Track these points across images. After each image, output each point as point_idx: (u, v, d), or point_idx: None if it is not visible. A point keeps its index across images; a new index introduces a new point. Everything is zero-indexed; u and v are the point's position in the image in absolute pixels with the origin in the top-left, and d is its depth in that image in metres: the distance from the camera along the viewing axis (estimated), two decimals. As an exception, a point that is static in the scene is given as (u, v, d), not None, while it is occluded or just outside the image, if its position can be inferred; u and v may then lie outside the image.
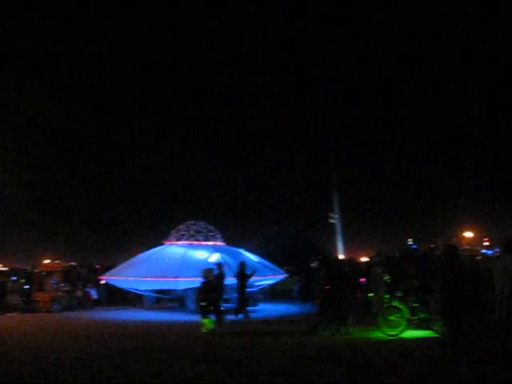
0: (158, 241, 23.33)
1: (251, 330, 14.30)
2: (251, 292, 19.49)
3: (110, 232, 45.26)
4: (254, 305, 19.94)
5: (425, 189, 45.48)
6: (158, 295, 21.54)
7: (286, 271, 23.43)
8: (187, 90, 57.15)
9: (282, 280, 23.04)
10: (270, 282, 21.89)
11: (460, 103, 51.26)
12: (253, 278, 18.15)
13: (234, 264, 19.97)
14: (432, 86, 53.58)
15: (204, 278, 14.52)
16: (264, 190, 44.74)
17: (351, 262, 21.28)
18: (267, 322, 15.62)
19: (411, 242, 36.57)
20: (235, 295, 19.74)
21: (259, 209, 42.07)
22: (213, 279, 15.03)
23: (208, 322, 13.94)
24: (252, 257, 21.83)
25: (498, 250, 27.67)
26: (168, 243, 22.09)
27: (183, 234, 21.92)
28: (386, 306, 13.21)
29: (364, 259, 28.05)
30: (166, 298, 21.85)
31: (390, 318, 12.75)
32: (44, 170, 44.77)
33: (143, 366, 9.64)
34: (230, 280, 18.85)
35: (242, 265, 16.92)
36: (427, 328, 12.61)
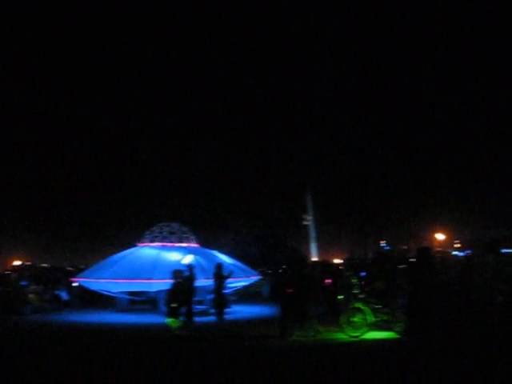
0: (131, 242, 23.21)
1: (219, 332, 14.28)
2: (224, 294, 19.47)
3: (83, 233, 44.84)
4: (227, 307, 19.94)
5: (398, 192, 45.94)
6: (131, 297, 21.38)
7: (260, 273, 23.48)
8: (164, 90, 56.99)
9: (256, 282, 23.07)
10: (244, 283, 21.89)
11: (430, 109, 51.97)
12: (227, 281, 18.12)
13: (207, 266, 19.92)
14: (405, 92, 54.23)
15: (174, 279, 14.52)
16: (238, 192, 44.75)
17: (324, 264, 21.46)
18: (238, 324, 15.61)
19: (384, 244, 36.89)
20: (208, 297, 19.73)
21: (233, 211, 42.03)
22: (183, 281, 15.02)
23: (173, 322, 13.96)
24: (225, 258, 21.80)
25: (469, 251, 28.07)
26: (141, 245, 21.97)
27: (157, 236, 21.84)
28: (348, 307, 13.33)
29: (337, 261, 28.26)
30: (138, 300, 21.70)
31: (352, 319, 12.89)
32: (18, 171, 44.27)
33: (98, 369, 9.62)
34: (204, 282, 18.81)
35: (219, 266, 16.88)
36: (389, 329, 12.78)
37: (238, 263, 22.08)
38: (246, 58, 57.86)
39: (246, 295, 24.13)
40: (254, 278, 22.60)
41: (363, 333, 12.67)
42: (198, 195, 44.39)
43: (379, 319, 13.05)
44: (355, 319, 12.87)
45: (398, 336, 12.27)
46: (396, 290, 13.17)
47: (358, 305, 13.07)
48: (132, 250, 21.93)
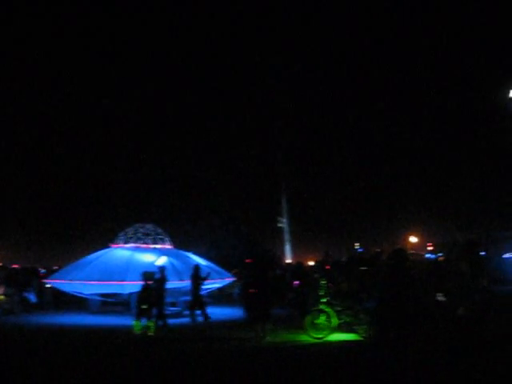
0: (104, 243, 23.02)
1: (189, 335, 14.26)
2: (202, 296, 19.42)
3: (56, 234, 44.35)
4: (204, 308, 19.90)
5: (372, 195, 46.33)
6: (104, 299, 21.19)
7: (234, 274, 23.47)
8: (139, 89, 56.64)
9: (230, 283, 23.06)
10: (218, 285, 21.86)
11: (406, 115, 52.51)
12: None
13: (181, 267, 19.86)
14: (382, 97, 54.70)
15: (144, 281, 14.50)
16: (213, 194, 44.65)
17: (298, 266, 21.50)
18: (210, 326, 15.56)
19: (358, 247, 37.13)
20: (182, 299, 19.66)
21: (208, 212, 41.92)
22: (155, 283, 15.00)
23: (137, 325, 13.94)
24: (200, 260, 21.75)
25: (440, 254, 28.42)
26: (115, 246, 21.81)
27: (131, 237, 21.70)
28: (312, 309, 13.38)
29: (311, 263, 28.35)
30: (111, 302, 21.52)
31: (316, 321, 12.96)
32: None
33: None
34: (178, 283, 18.74)
35: (197, 268, 16.86)
36: (352, 331, 12.87)
37: (212, 265, 22.05)
38: (217, 56, 57.79)
39: (220, 297, 24.09)
40: (229, 280, 22.59)
41: (327, 335, 12.73)
42: (173, 196, 44.19)
43: (343, 321, 13.12)
44: (319, 321, 12.95)
45: (361, 338, 12.39)
46: (362, 291, 13.29)
47: (322, 307, 13.15)
48: (105, 251, 21.75)
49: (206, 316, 16.01)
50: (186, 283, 19.15)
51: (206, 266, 20.97)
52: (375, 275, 13.45)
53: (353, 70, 57.23)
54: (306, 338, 12.75)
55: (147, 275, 14.69)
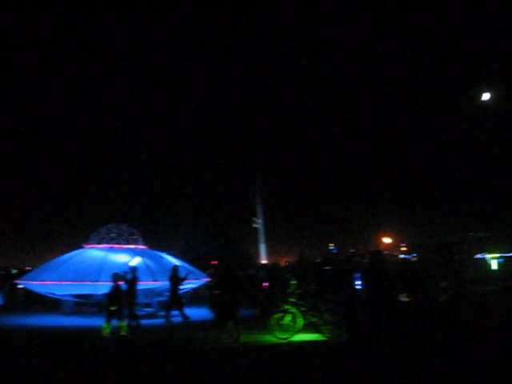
0: (77, 244, 22.79)
1: (159, 336, 14.19)
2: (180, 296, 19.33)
3: (28, 235, 43.80)
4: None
5: (346, 197, 46.64)
6: (77, 300, 20.94)
7: (209, 275, 23.40)
8: (112, 89, 56.20)
9: (204, 284, 22.99)
10: (193, 286, 21.78)
11: (380, 117, 52.93)
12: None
13: (155, 268, 19.75)
14: (351, 97, 55.05)
15: (114, 282, 14.40)
16: (189, 195, 44.52)
17: (273, 267, 21.56)
18: (184, 327, 15.49)
19: (332, 247, 37.34)
20: (156, 299, 19.56)
21: (183, 213, 41.78)
22: (126, 283, 14.90)
23: (106, 327, 13.85)
24: (174, 261, 21.65)
25: (414, 254, 28.75)
26: (88, 246, 21.60)
27: (104, 237, 21.52)
28: (278, 309, 13.43)
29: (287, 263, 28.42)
30: (84, 303, 21.29)
31: (282, 321, 13.00)
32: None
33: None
34: (152, 284, 18.64)
35: (176, 268, 16.78)
36: (318, 331, 12.92)
37: (187, 265, 21.96)
38: (193, 58, 57.66)
39: (194, 298, 23.99)
40: (204, 280, 22.51)
41: (292, 335, 12.78)
42: (148, 196, 43.93)
43: (308, 321, 13.17)
44: (284, 321, 13.00)
45: (326, 338, 12.44)
46: (328, 292, 13.36)
47: (288, 307, 13.19)
48: (78, 251, 21.54)
49: (184, 317, 15.95)
50: (161, 284, 19.06)
51: (181, 267, 20.91)
52: (338, 275, 13.52)
53: (324, 71, 57.50)
54: (270, 338, 12.77)
55: (116, 276, 14.59)
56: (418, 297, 13.28)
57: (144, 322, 16.74)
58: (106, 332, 13.85)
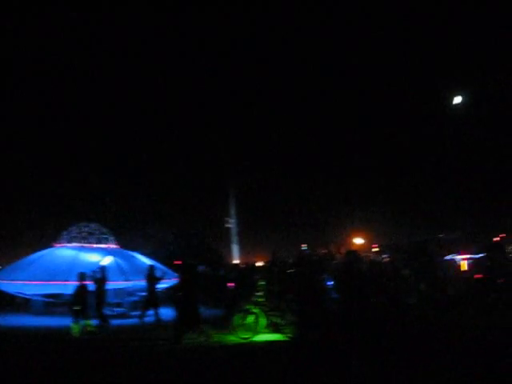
0: (47, 242, 22.46)
1: (126, 337, 14.06)
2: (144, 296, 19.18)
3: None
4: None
5: (319, 196, 46.81)
6: (47, 299, 20.63)
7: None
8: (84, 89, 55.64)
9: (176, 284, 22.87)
10: (164, 286, 21.62)
11: (349, 117, 53.38)
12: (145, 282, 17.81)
13: (127, 267, 19.58)
14: (330, 100, 55.40)
15: (79, 281, 14.25)
16: (160, 193, 44.19)
17: (251, 267, 21.55)
18: (154, 328, 15.36)
19: (305, 248, 37.41)
20: (128, 299, 19.38)
21: (155, 212, 41.45)
22: (95, 283, 14.74)
23: (75, 327, 13.69)
24: (146, 260, 21.50)
25: (386, 255, 28.96)
26: (58, 245, 21.31)
27: (75, 236, 21.26)
28: (241, 309, 13.46)
29: (260, 264, 28.39)
30: (54, 303, 20.98)
31: (245, 321, 13.05)
32: None
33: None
34: (123, 284, 18.47)
35: (152, 268, 16.65)
36: (280, 332, 12.95)
37: (159, 265, 21.81)
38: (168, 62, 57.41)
39: (165, 298, 23.82)
40: (175, 280, 22.37)
41: (254, 335, 12.80)
42: (119, 195, 43.47)
43: (271, 321, 13.20)
44: (247, 321, 13.04)
45: (287, 338, 12.46)
46: (292, 292, 13.39)
47: (250, 307, 13.21)
48: (48, 250, 21.24)
49: (158, 317, 15.84)
50: (132, 283, 18.90)
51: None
52: (299, 277, 13.55)
53: (297, 70, 57.69)
54: (233, 338, 12.77)
55: (82, 276, 14.43)
56: (389, 297, 13.38)
57: (115, 322, 16.60)
58: (75, 332, 13.68)
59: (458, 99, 27.04)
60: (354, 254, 11.85)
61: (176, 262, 15.74)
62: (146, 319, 15.80)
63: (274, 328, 13.15)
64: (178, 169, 49.78)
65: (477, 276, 18.83)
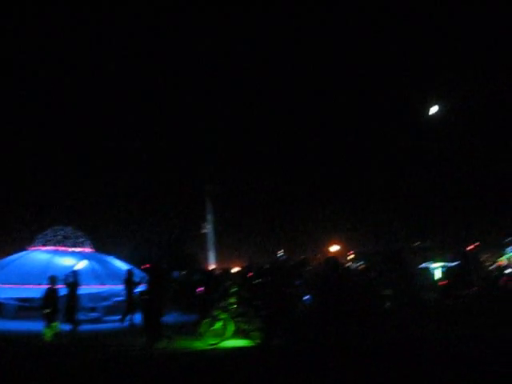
0: (21, 246, 22.22)
1: (94, 342, 13.95)
2: (120, 301, 19.07)
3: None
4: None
5: (295, 203, 47.02)
6: (20, 303, 20.37)
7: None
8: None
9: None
10: (140, 290, 21.52)
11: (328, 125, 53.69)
12: (120, 287, 17.71)
13: (102, 272, 19.46)
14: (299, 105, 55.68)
15: (50, 285, 14.13)
16: (138, 197, 44.03)
17: (225, 272, 21.55)
18: (126, 332, 15.28)
19: (282, 254, 37.51)
20: (102, 304, 19.24)
21: (131, 216, 41.27)
22: (67, 287, 14.62)
23: (47, 331, 13.57)
24: (122, 265, 21.38)
25: (361, 262, 29.17)
26: (32, 248, 21.09)
27: (50, 239, 21.06)
28: (209, 315, 13.42)
29: (236, 269, 28.42)
30: (28, 307, 20.73)
31: (212, 327, 13.01)
32: None
33: None
34: (97, 288, 18.34)
35: (130, 272, 16.56)
36: (248, 338, 12.93)
37: (136, 269, 21.73)
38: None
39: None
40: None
41: (221, 341, 12.78)
42: (95, 199, 43.20)
43: (239, 327, 13.21)
44: (215, 327, 13.01)
45: (255, 344, 12.45)
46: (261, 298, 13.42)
47: (218, 313, 13.22)
48: (22, 253, 20.99)
49: (132, 322, 15.76)
50: (107, 288, 18.79)
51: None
52: (267, 285, 13.57)
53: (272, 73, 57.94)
54: (200, 344, 12.70)
55: (53, 279, 14.31)
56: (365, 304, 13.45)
57: (90, 326, 16.49)
58: (47, 336, 13.54)
59: (434, 109, 27.37)
60: (333, 260, 11.90)
61: (144, 266, 15.61)
62: (121, 324, 15.74)
63: (242, 334, 13.15)
64: (155, 173, 49.60)
65: (441, 283, 19.09)
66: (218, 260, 36.26)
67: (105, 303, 19.51)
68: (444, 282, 19.79)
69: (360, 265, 27.41)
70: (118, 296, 18.52)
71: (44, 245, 20.99)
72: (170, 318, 17.48)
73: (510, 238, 35.57)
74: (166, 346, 12.30)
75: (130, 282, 16.28)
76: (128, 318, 15.91)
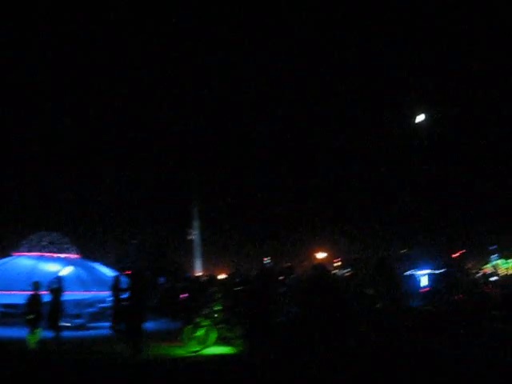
0: (6, 251, 22.07)
1: (79, 349, 13.84)
2: (106, 307, 18.96)
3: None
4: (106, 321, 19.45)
5: (282, 210, 47.07)
6: (4, 310, 20.19)
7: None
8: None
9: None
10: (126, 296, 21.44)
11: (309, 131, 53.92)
12: (105, 293, 17.60)
13: (87, 278, 19.37)
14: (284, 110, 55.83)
15: (33, 291, 14.03)
16: (124, 204, 43.88)
17: (210, 279, 21.51)
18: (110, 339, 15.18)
19: (268, 261, 37.51)
20: (87, 310, 19.13)
21: (118, 222, 41.11)
22: (51, 293, 14.51)
23: (31, 337, 13.47)
24: (107, 271, 21.29)
25: (348, 269, 29.26)
26: (17, 254, 20.95)
27: (35, 245, 20.93)
28: (191, 322, 13.36)
29: (222, 276, 28.38)
30: (13, 313, 20.54)
31: (195, 334, 12.93)
32: None
33: None
34: (83, 295, 18.25)
35: (117, 279, 16.45)
36: (230, 345, 12.88)
37: (120, 276, 21.64)
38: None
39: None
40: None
41: (203, 348, 12.72)
42: (81, 204, 42.95)
43: (222, 335, 13.16)
44: (198, 334, 12.93)
45: (237, 351, 12.40)
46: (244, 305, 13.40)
47: (201, 320, 13.19)
48: (7, 259, 20.85)
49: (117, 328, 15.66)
50: (92, 294, 18.69)
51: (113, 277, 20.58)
52: (249, 293, 13.56)
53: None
54: (181, 351, 12.61)
55: (36, 285, 14.21)
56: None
57: (74, 333, 16.37)
58: (31, 343, 13.42)
59: (420, 117, 27.58)
60: (321, 267, 11.88)
61: (127, 272, 15.54)
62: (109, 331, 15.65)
63: (224, 341, 13.12)
64: (141, 179, 49.42)
65: (423, 290, 19.16)
66: (205, 267, 36.19)
67: (90, 310, 19.37)
68: (426, 289, 19.87)
69: (347, 272, 27.50)
70: (104, 302, 18.42)
71: (29, 251, 20.86)
72: (155, 324, 17.48)
73: (494, 246, 35.90)
74: (147, 353, 12.23)
75: (116, 288, 16.20)
76: (114, 324, 15.83)
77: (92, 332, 17.06)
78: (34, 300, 13.90)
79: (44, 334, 13.81)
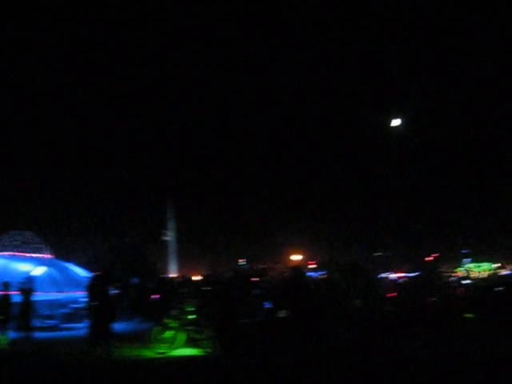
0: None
1: (50, 350, 13.67)
2: (78, 308, 18.76)
3: None
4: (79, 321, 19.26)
5: (257, 213, 47.19)
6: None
7: (116, 287, 22.92)
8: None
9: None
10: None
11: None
12: (78, 294, 17.43)
13: (60, 278, 19.15)
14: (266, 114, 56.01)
15: (3, 291, 13.84)
16: (99, 204, 43.53)
17: (185, 280, 21.45)
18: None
19: (244, 263, 37.52)
20: (60, 311, 18.91)
21: (92, 222, 40.71)
22: (22, 294, 14.32)
23: (3, 339, 13.30)
24: (80, 271, 21.08)
25: (323, 272, 29.35)
26: (-12, 253, 20.65)
27: (7, 245, 20.64)
28: (160, 323, 13.29)
29: (197, 278, 28.33)
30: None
31: (163, 336, 12.87)
32: None
33: None
34: (56, 295, 18.05)
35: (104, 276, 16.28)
36: (198, 346, 12.83)
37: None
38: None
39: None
40: (111, 292, 22.01)
41: (171, 349, 12.65)
42: (55, 204, 42.51)
43: (190, 336, 13.10)
44: (166, 335, 12.87)
45: (205, 353, 12.38)
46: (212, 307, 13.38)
47: (169, 321, 13.13)
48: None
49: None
50: (66, 295, 18.48)
51: (86, 278, 20.37)
52: (217, 294, 13.55)
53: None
54: (149, 352, 12.50)
55: (6, 285, 14.03)
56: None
57: (46, 334, 16.17)
58: (2, 344, 13.24)
59: (396, 121, 27.75)
60: (298, 269, 11.95)
61: (97, 273, 15.42)
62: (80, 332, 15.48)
63: (193, 343, 13.07)
64: (116, 179, 49.14)
65: (390, 295, 19.27)
66: (181, 268, 36.09)
67: (63, 310, 19.13)
68: (394, 294, 19.97)
69: (322, 275, 27.56)
70: (77, 303, 18.21)
71: (1, 250, 20.56)
72: (126, 325, 17.33)
73: (467, 250, 36.37)
74: (114, 354, 12.12)
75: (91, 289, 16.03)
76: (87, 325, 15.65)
77: (65, 333, 16.85)
78: (4, 301, 13.72)
79: (14, 334, 13.64)
